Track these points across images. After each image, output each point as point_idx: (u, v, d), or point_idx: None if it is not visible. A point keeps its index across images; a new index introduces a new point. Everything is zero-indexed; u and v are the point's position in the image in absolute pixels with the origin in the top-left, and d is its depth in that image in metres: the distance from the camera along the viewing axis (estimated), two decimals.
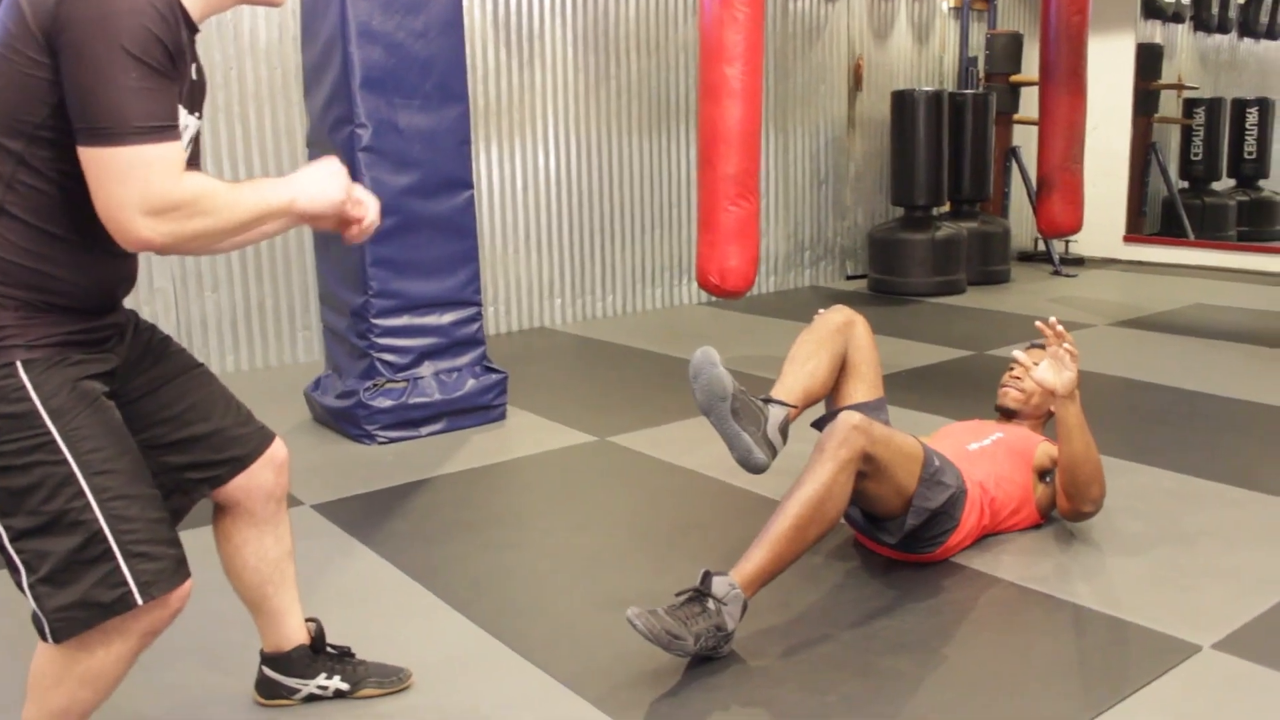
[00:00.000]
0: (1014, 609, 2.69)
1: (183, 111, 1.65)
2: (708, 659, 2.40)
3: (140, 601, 1.64)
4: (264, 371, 5.45)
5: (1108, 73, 8.31)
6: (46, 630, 1.65)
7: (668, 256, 7.04)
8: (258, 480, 2.01)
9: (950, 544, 2.84)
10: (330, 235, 4.36)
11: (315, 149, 4.39)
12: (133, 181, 1.51)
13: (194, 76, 1.73)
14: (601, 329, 6.40)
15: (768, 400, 2.81)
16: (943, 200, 7.56)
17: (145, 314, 5.10)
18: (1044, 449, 3.10)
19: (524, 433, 4.26)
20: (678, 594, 2.41)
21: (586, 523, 3.33)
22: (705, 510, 3.44)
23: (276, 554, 2.09)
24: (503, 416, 4.41)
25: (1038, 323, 2.97)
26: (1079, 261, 8.57)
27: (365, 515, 3.40)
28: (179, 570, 1.71)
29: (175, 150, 1.56)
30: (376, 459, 3.96)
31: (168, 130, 1.54)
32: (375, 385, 4.13)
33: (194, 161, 1.78)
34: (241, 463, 1.98)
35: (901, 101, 7.34)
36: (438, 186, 4.18)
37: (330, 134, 4.15)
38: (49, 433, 1.60)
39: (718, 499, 3.52)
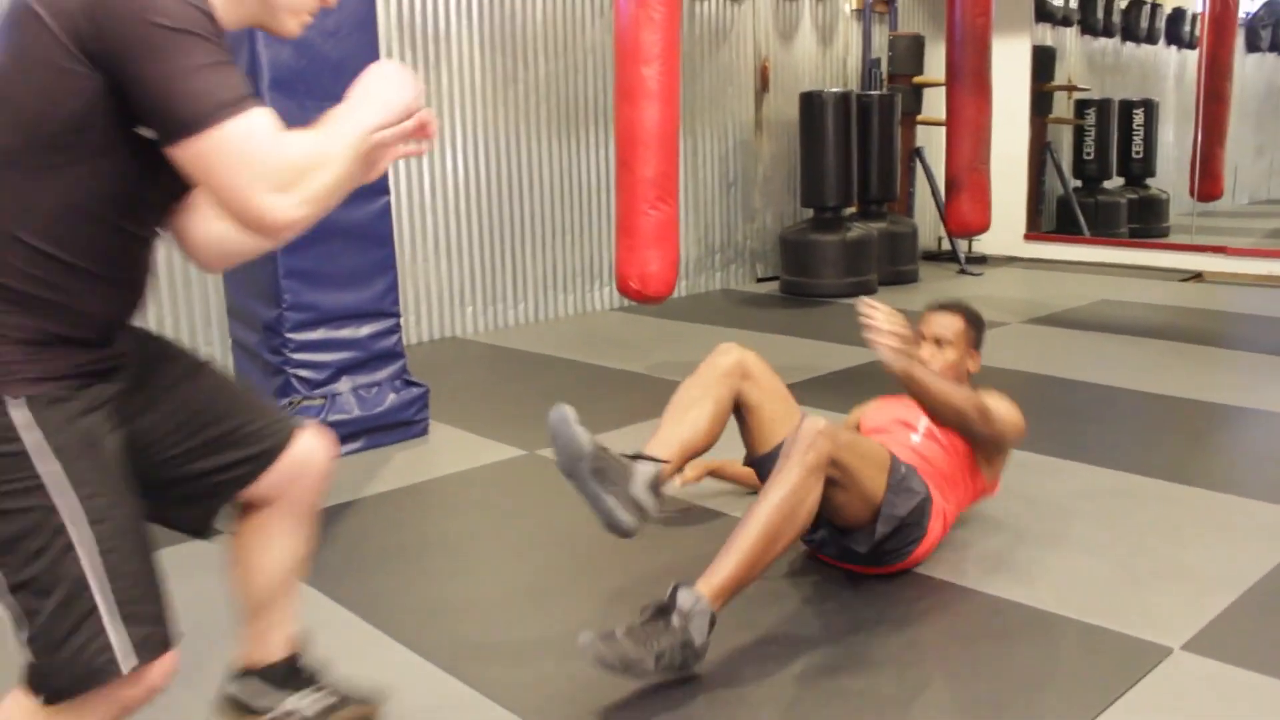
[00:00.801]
0: (982, 619, 2.63)
1: None
2: (679, 680, 2.28)
3: (125, 671, 1.49)
4: None
5: (1006, 74, 8.41)
6: (41, 692, 1.51)
7: (580, 262, 6.91)
8: (305, 472, 1.88)
9: (917, 554, 2.77)
10: None
11: None
12: (247, 158, 1.39)
13: None
14: (515, 337, 6.24)
15: (635, 457, 2.56)
16: (852, 201, 7.57)
17: None
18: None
19: (449, 449, 4.10)
20: (642, 608, 2.31)
21: (528, 545, 3.19)
22: (649, 527, 3.32)
23: (297, 558, 1.95)
24: (425, 432, 4.23)
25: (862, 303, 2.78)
26: (982, 260, 8.68)
27: None
28: (167, 641, 1.56)
29: (270, 114, 1.43)
30: None
31: (251, 98, 1.42)
32: (291, 403, 3.92)
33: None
34: (269, 456, 1.82)
35: (810, 103, 7.33)
36: (352, 194, 3.95)
37: None
38: (39, 478, 1.45)
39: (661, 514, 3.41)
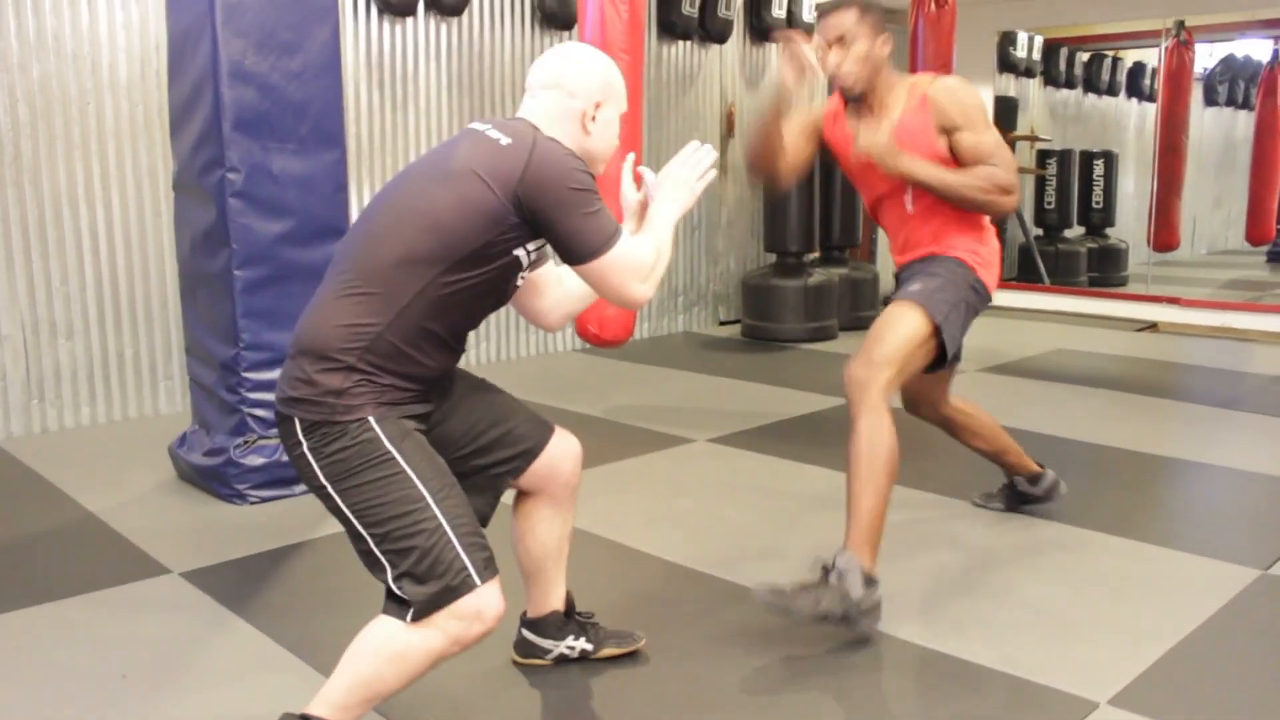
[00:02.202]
0: (911, 671, 2.68)
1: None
2: (847, 625, 2.67)
3: (479, 582, 1.98)
4: (123, 424, 5.17)
5: None
6: (410, 611, 1.98)
7: None
8: (559, 469, 2.45)
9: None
10: (196, 283, 4.18)
11: (183, 192, 4.19)
12: (626, 270, 2.11)
13: None
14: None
15: (827, 571, 2.83)
16: (814, 246, 7.66)
17: None
18: (934, 114, 3.05)
19: None
20: (813, 567, 2.75)
21: None
22: (598, 574, 3.35)
23: (561, 534, 2.53)
24: None
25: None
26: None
27: (239, 583, 3.22)
28: (494, 561, 2.06)
29: (627, 233, 2.14)
30: (249, 521, 3.77)
31: (620, 228, 2.12)
32: (246, 442, 3.94)
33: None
34: (532, 453, 2.40)
35: None
36: (313, 234, 4.02)
37: (200, 177, 3.97)
38: (394, 456, 2.01)
39: (610, 561, 3.44)
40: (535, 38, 6.73)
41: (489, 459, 2.35)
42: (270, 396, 3.95)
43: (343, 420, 2.02)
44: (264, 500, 3.93)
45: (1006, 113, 9.43)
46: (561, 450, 2.45)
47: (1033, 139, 10.14)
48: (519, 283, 2.24)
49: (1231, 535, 3.60)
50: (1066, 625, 2.89)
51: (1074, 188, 10.17)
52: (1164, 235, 9.30)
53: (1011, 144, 9.59)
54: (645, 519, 3.77)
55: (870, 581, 2.68)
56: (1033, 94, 10.35)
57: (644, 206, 2.38)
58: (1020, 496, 3.72)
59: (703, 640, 2.81)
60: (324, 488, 2.05)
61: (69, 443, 4.87)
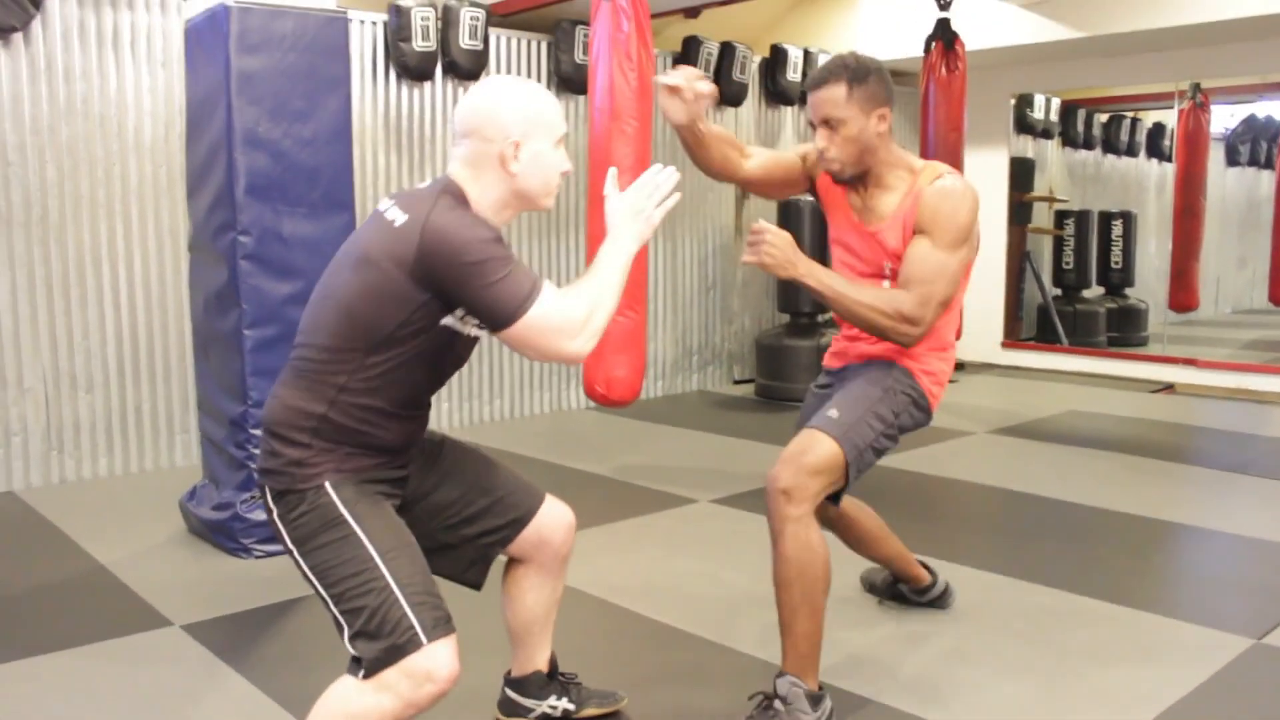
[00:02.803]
0: None
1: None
2: None
3: (426, 641, 1.99)
4: (139, 476, 5.26)
5: (984, 184, 8.61)
6: (362, 668, 2.02)
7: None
8: (549, 539, 2.48)
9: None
10: (207, 341, 4.28)
11: (197, 253, 4.32)
12: (549, 329, 2.06)
13: None
14: (488, 434, 6.34)
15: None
16: (827, 308, 7.69)
17: (13, 416, 4.97)
18: (917, 213, 2.76)
19: None
20: (750, 697, 2.62)
21: (470, 649, 3.22)
22: (592, 635, 3.38)
23: (549, 601, 2.57)
24: None
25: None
26: (959, 366, 8.81)
27: (237, 637, 3.27)
28: (448, 621, 2.06)
29: (548, 288, 2.07)
30: (252, 575, 3.83)
31: (536, 283, 2.06)
32: (253, 497, 4.01)
33: (475, 342, 2.27)
34: (521, 523, 2.43)
35: (787, 211, 7.52)
36: None
37: (213, 239, 4.09)
38: (350, 526, 2.06)
39: (604, 622, 3.47)
40: None
41: (478, 528, 2.38)
42: None
43: (302, 488, 2.09)
44: (268, 555, 3.99)
45: (1023, 174, 9.50)
46: (552, 519, 2.48)
47: (1050, 200, 10.18)
48: (473, 335, 2.21)
49: (1228, 602, 3.60)
50: (1053, 693, 2.89)
51: (1092, 248, 10.18)
52: (1182, 296, 9.31)
53: (1028, 205, 9.64)
54: (641, 579, 3.81)
55: (818, 700, 2.57)
56: (1051, 155, 10.41)
57: None
58: (902, 596, 3.49)
59: (688, 702, 2.83)
60: (291, 552, 2.13)
61: (85, 493, 4.97)
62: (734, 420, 6.82)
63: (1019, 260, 9.61)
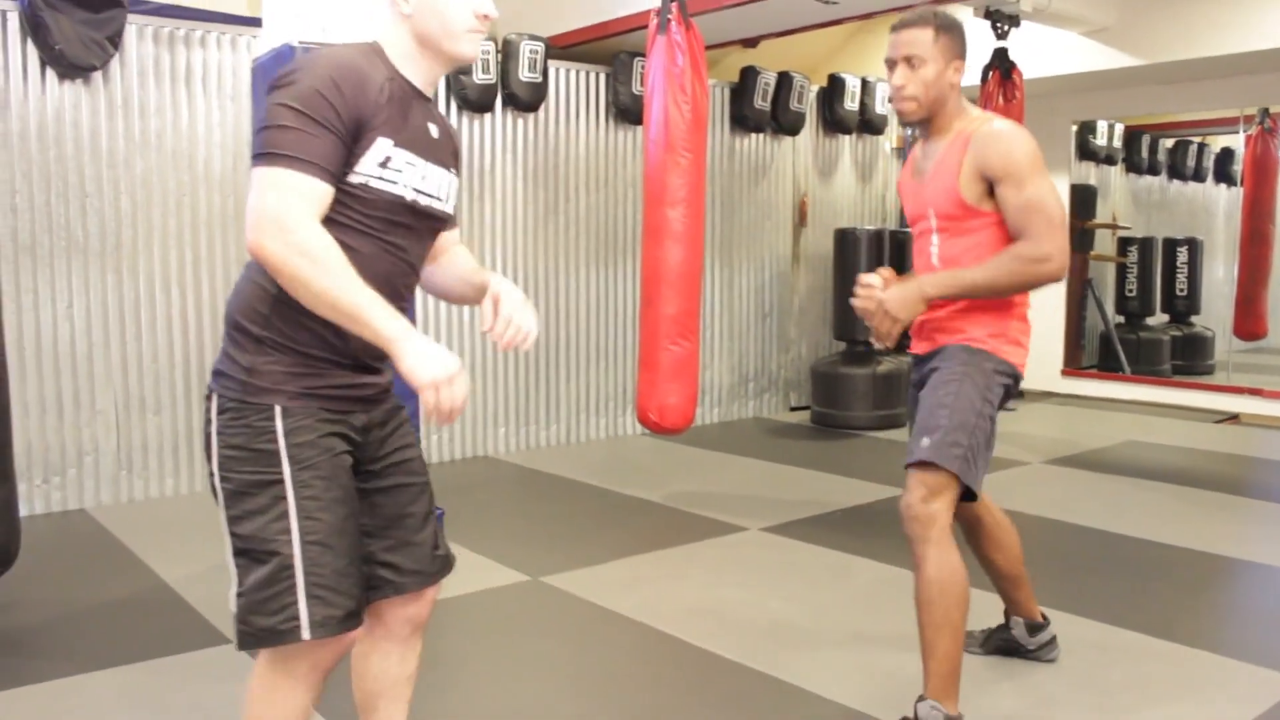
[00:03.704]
0: None
1: (407, 153, 1.96)
2: None
3: (307, 636, 1.88)
4: (204, 496, 5.42)
5: None
6: (235, 636, 1.92)
7: (611, 388, 7.12)
8: (408, 602, 2.19)
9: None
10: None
11: None
12: (272, 195, 1.79)
13: (433, 134, 2.06)
14: (544, 459, 6.44)
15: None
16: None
17: (85, 436, 5.16)
18: (970, 161, 2.75)
19: (457, 570, 4.17)
20: None
21: (518, 672, 3.32)
22: (638, 660, 3.44)
23: (398, 674, 2.25)
24: None
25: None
26: (1019, 394, 8.74)
27: None
28: (347, 621, 1.93)
29: (315, 186, 1.82)
30: None
31: (310, 165, 1.81)
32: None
33: (447, 223, 2.13)
34: (423, 581, 2.17)
35: (844, 239, 7.55)
36: None
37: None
38: (282, 475, 1.90)
39: (649, 648, 3.52)
40: (609, 132, 6.98)
41: (392, 558, 2.12)
42: None
43: (251, 402, 1.91)
44: None
45: (1085, 201, 9.43)
46: (431, 592, 2.23)
47: (1113, 226, 10.09)
48: (412, 200, 1.99)
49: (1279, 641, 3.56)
50: None
51: (1157, 275, 10.07)
52: (1249, 324, 9.17)
53: (1091, 232, 9.56)
54: (687, 607, 3.86)
55: None
56: (1114, 181, 10.32)
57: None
58: (1008, 645, 3.35)
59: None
60: (212, 474, 1.97)
61: (153, 512, 5.14)
62: (788, 448, 6.84)
63: (1081, 287, 9.54)
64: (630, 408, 7.16)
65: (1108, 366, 9.56)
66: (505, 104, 6.46)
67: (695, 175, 5.02)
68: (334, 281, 1.78)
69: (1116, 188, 10.42)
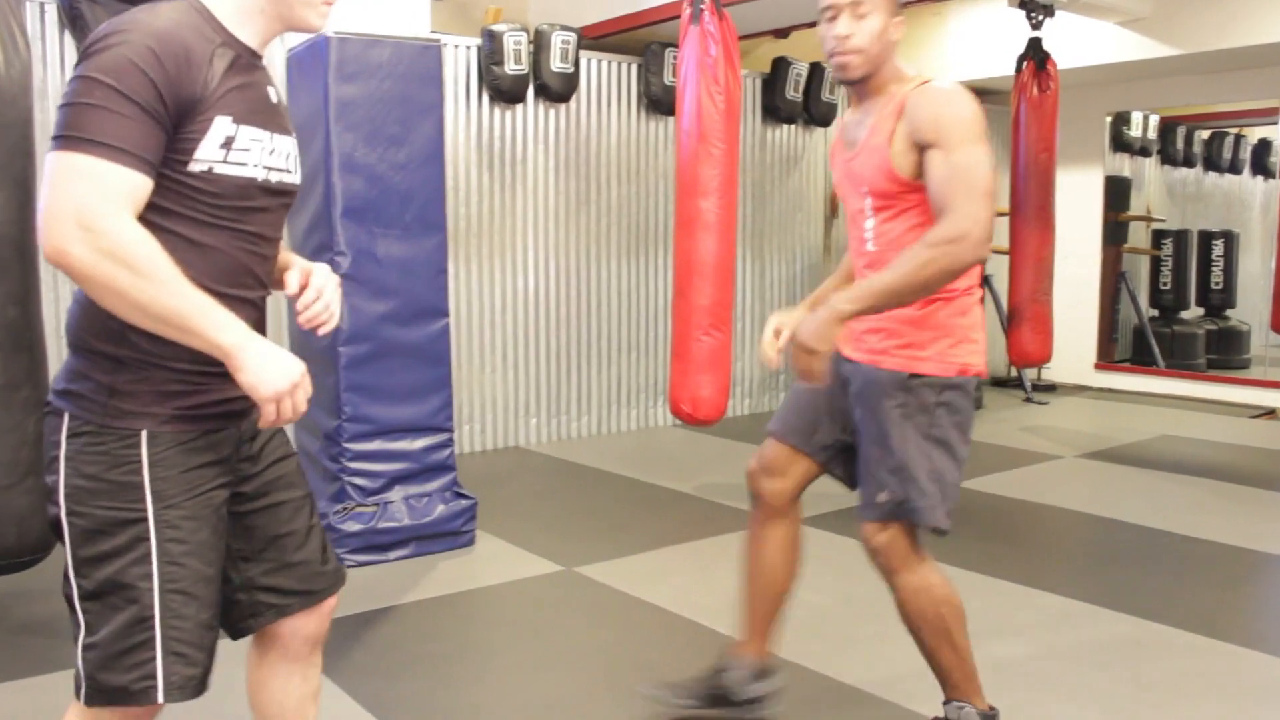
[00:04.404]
0: None
1: (250, 129, 1.72)
2: None
3: (161, 700, 1.69)
4: None
5: (1078, 204, 8.54)
6: (81, 690, 1.71)
7: (642, 379, 7.12)
8: (302, 620, 1.98)
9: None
10: (304, 357, 4.41)
11: None
12: (74, 188, 1.53)
13: (271, 99, 1.81)
14: (575, 450, 6.45)
15: (719, 670, 2.81)
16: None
17: None
18: (904, 127, 2.38)
19: (491, 560, 4.28)
20: None
21: (550, 661, 3.33)
22: (670, 650, 3.44)
23: (301, 694, 2.05)
24: (471, 542, 4.42)
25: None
26: (1051, 388, 8.69)
27: (328, 644, 3.36)
28: (203, 682, 1.75)
29: (128, 178, 1.56)
30: None
31: (124, 154, 1.56)
32: (345, 509, 4.15)
33: (281, 193, 1.83)
34: (312, 599, 1.97)
35: None
36: (414, 315, 4.25)
37: (311, 259, 4.22)
38: (145, 512, 1.68)
39: (683, 637, 3.52)
40: (641, 123, 6.96)
41: (270, 580, 1.93)
42: (371, 466, 4.18)
43: (113, 427, 1.68)
44: (358, 564, 4.12)
45: (1119, 193, 9.34)
46: (326, 607, 2.03)
47: (1147, 219, 10.00)
48: (266, 207, 1.79)
49: None
50: None
51: (1192, 268, 9.98)
52: None
53: (1124, 225, 9.47)
54: (720, 598, 3.84)
55: (991, 718, 2.59)
56: (1149, 173, 10.22)
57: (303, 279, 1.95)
58: (718, 694, 2.83)
59: None
60: (56, 504, 1.70)
61: None
62: None
63: (1114, 280, 9.45)
64: (661, 399, 7.16)
65: (1141, 360, 9.48)
66: (537, 95, 6.46)
67: (728, 166, 5.00)
68: (157, 290, 1.54)
69: (1151, 180, 10.32)
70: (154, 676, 1.68)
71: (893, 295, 2.26)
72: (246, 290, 1.79)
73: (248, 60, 1.76)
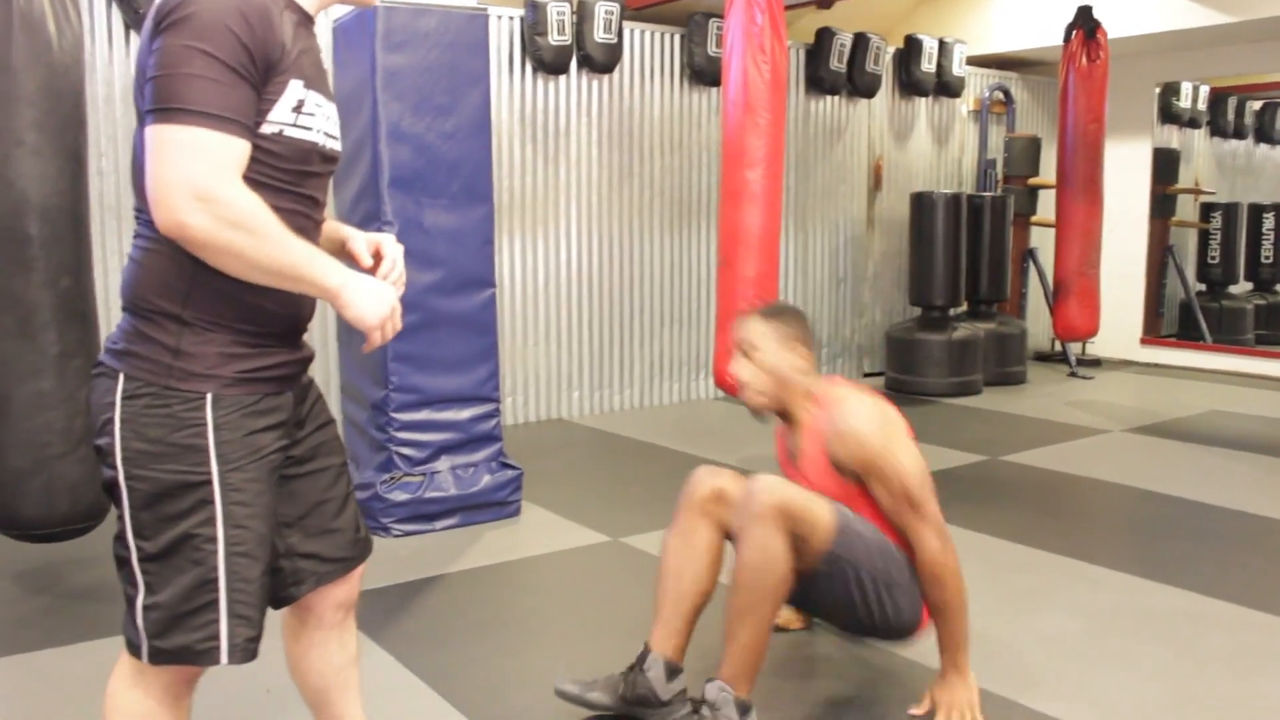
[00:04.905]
0: None
1: (315, 94, 1.74)
2: None
3: (225, 660, 1.71)
4: None
5: (1125, 176, 8.42)
6: (144, 651, 1.71)
7: (685, 352, 7.10)
8: (334, 587, 2.00)
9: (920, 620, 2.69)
10: (352, 327, 4.44)
11: None
12: (185, 160, 1.55)
13: (323, 65, 1.83)
14: (618, 422, 6.45)
15: (634, 669, 2.67)
16: (960, 301, 7.62)
17: None
18: (833, 460, 2.64)
19: (537, 530, 4.29)
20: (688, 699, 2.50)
21: (598, 630, 3.34)
22: (718, 617, 3.43)
23: (340, 660, 2.08)
24: (517, 513, 4.44)
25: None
26: (1096, 363, 8.60)
27: (378, 612, 3.42)
28: (255, 644, 1.77)
29: (235, 145, 1.60)
30: (391, 553, 3.98)
31: (229, 123, 1.58)
32: (392, 479, 4.17)
33: (332, 160, 1.85)
34: (347, 567, 1.99)
35: (920, 203, 7.44)
36: (460, 285, 4.26)
37: (358, 228, 4.24)
38: (210, 475, 1.68)
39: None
40: (684, 94, 6.92)
41: (311, 547, 1.94)
42: (417, 436, 4.20)
43: (177, 389, 1.67)
44: (406, 534, 4.15)
45: (1167, 165, 9.20)
46: (356, 574, 2.06)
47: (1196, 192, 9.84)
48: (321, 173, 1.83)
49: None
50: (1183, 698, 2.83)
51: (1241, 242, 9.82)
52: None
53: (1172, 198, 9.33)
54: None
55: (745, 710, 2.48)
56: (1197, 145, 10.06)
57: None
58: (643, 693, 2.65)
59: (798, 691, 2.86)
60: (114, 466, 1.69)
61: None
62: None
63: (1161, 254, 9.33)
64: (703, 372, 7.14)
65: (1188, 335, 9.36)
66: (580, 65, 6.43)
67: (774, 136, 4.96)
68: (272, 248, 1.60)
69: (1199, 152, 10.16)
70: (218, 638, 1.69)
71: (964, 624, 2.62)
72: None
73: (305, 22, 1.78)
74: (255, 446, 1.73)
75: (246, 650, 1.73)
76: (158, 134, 1.56)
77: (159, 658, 1.71)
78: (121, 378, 1.69)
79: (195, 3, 1.57)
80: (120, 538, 1.72)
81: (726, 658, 2.49)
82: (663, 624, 2.67)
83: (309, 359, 1.90)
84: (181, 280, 1.67)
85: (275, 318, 1.76)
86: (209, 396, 1.68)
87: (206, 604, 1.69)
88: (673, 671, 2.62)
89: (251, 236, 1.58)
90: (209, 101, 1.56)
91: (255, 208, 1.59)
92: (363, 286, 1.71)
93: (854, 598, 2.58)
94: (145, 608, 1.70)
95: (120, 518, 1.71)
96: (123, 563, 1.72)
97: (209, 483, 1.67)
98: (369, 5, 1.89)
